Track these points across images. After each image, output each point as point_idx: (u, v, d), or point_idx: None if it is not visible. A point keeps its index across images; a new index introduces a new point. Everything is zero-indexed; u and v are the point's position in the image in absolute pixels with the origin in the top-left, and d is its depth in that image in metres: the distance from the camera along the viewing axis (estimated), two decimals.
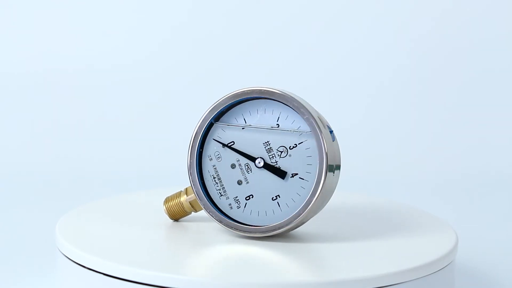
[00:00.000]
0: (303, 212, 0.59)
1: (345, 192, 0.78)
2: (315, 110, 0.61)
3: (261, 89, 0.61)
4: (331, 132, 0.60)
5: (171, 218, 0.66)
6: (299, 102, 0.60)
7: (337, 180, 0.62)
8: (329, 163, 0.59)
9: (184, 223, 0.66)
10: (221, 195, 0.63)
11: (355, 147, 1.15)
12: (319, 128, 0.59)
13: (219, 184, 0.63)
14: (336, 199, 0.72)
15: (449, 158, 1.15)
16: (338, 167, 0.61)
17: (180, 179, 1.02)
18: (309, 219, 0.61)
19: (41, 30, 1.21)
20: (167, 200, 0.66)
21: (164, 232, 0.63)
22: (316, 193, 0.59)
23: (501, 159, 1.15)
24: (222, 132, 0.63)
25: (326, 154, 0.59)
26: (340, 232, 0.64)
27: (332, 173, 0.60)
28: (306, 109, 0.60)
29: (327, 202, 0.62)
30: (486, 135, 1.18)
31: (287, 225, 0.60)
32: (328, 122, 0.62)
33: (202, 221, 0.66)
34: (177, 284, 0.53)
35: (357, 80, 1.22)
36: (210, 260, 0.59)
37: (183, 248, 0.60)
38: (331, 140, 0.60)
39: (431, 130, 1.19)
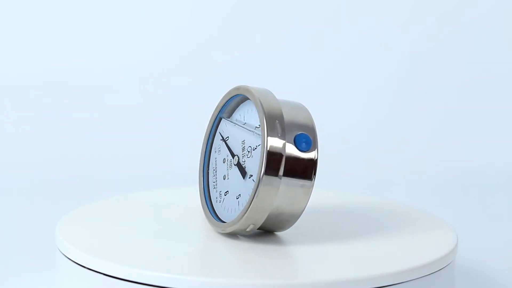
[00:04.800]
0: (244, 215, 0.59)
1: (345, 192, 0.78)
2: (281, 114, 0.59)
3: (235, 88, 0.62)
4: (305, 141, 0.59)
5: None
6: (261, 103, 0.59)
7: (303, 192, 0.59)
8: (269, 169, 0.58)
9: (184, 223, 0.66)
10: (214, 187, 0.64)
11: (354, 147, 1.15)
12: (266, 132, 0.58)
13: (215, 177, 0.63)
14: (336, 199, 0.72)
15: (450, 158, 1.15)
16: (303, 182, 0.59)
17: (180, 179, 1.02)
18: (260, 224, 0.60)
19: (41, 30, 1.21)
20: None
21: (164, 232, 0.63)
22: (252, 198, 0.58)
23: (502, 158, 1.15)
24: (225, 127, 0.64)
25: (266, 154, 0.58)
26: (340, 232, 0.64)
27: (276, 179, 0.58)
28: (265, 111, 0.59)
29: (295, 213, 0.60)
30: (488, 135, 1.17)
31: (233, 225, 0.60)
32: (312, 131, 0.60)
33: (203, 220, 0.66)
34: (177, 284, 0.53)
35: (356, 80, 1.22)
36: (210, 260, 0.59)
37: (183, 248, 0.60)
38: (282, 147, 0.58)
39: (432, 130, 1.19)
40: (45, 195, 1.01)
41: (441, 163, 1.14)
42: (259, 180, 0.58)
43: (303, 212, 0.61)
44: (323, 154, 1.02)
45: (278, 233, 0.63)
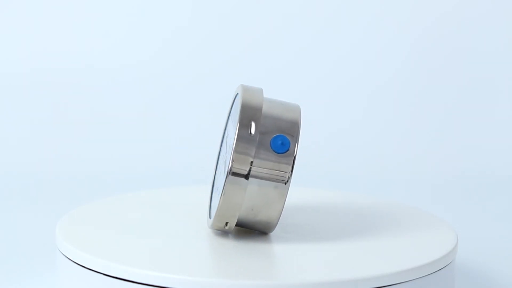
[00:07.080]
0: (215, 213, 0.59)
1: (345, 192, 0.78)
2: (260, 114, 0.59)
3: (237, 87, 0.63)
4: (281, 143, 0.59)
5: None
6: (241, 102, 0.59)
7: (278, 193, 0.59)
8: (235, 168, 0.57)
9: (184, 223, 0.66)
10: (215, 183, 0.64)
11: (354, 147, 1.15)
12: (237, 131, 0.58)
13: (217, 173, 0.64)
14: (335, 199, 0.72)
15: (450, 158, 1.15)
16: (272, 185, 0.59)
17: (180, 179, 1.02)
18: (234, 222, 0.60)
19: (42, 30, 1.21)
20: None
21: (164, 232, 0.63)
22: (220, 196, 0.58)
23: (502, 159, 1.15)
24: (229, 126, 0.64)
25: (233, 153, 0.58)
26: (340, 232, 0.64)
27: (243, 179, 0.58)
28: (242, 109, 0.59)
29: (272, 214, 0.59)
30: (488, 135, 1.17)
31: (210, 221, 0.60)
32: (291, 134, 0.59)
33: (203, 220, 0.66)
34: (177, 284, 0.53)
35: (356, 80, 1.22)
36: (210, 260, 0.59)
37: (183, 248, 0.60)
38: (252, 147, 0.58)
39: (432, 130, 1.19)
40: (45, 195, 1.01)
41: (441, 163, 1.14)
42: (225, 179, 0.58)
43: (304, 213, 0.60)
44: (323, 154, 1.02)
45: (277, 234, 0.63)
